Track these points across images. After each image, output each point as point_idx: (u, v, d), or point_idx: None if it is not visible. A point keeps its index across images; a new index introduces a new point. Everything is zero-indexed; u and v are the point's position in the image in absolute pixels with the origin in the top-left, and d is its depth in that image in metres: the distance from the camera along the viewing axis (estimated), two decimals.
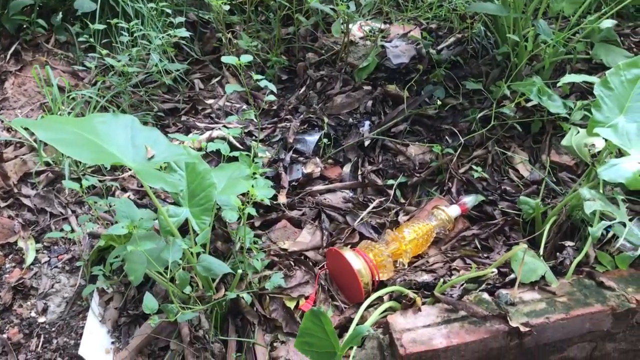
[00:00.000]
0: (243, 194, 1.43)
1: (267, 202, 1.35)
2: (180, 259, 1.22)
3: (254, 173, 1.49)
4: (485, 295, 1.45)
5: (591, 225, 1.59)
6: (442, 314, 1.39)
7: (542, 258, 1.50)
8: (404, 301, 1.42)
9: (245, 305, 1.46)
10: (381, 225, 1.77)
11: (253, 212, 1.32)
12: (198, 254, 1.25)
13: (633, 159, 1.36)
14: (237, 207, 1.29)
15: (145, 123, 2.06)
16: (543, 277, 1.45)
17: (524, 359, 1.44)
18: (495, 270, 1.30)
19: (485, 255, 1.65)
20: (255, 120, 2.00)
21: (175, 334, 1.41)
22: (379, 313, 1.37)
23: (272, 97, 1.71)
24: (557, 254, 1.54)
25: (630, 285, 1.47)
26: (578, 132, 1.61)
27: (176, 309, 1.20)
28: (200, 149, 1.67)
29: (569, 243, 1.54)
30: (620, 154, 1.51)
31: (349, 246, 1.68)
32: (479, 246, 1.70)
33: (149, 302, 1.15)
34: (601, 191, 1.42)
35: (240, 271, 1.32)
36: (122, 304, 1.55)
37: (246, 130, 1.98)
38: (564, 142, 1.62)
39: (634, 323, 1.47)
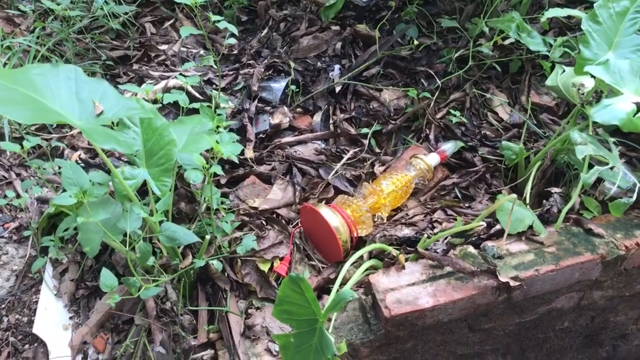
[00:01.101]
0: (207, 151, 1.29)
1: (234, 158, 1.22)
2: (141, 227, 1.09)
3: (218, 126, 1.34)
4: (471, 249, 1.37)
5: (577, 169, 1.52)
6: (427, 271, 1.31)
7: (528, 207, 1.42)
8: (385, 259, 1.33)
9: (215, 271, 1.35)
10: (357, 177, 1.66)
11: (219, 170, 1.18)
12: (161, 222, 1.12)
13: (627, 99, 1.27)
14: (201, 166, 1.15)
15: (92, 74, 1.87)
16: (530, 227, 1.38)
17: (511, 312, 1.39)
18: (484, 224, 1.21)
19: (466, 204, 1.57)
20: (214, 66, 1.84)
21: (140, 306, 1.29)
22: (360, 273, 1.28)
23: (232, 40, 1.55)
24: (544, 201, 1.46)
25: (619, 231, 1.42)
26: (564, 71, 1.51)
27: (138, 283, 1.08)
28: (155, 101, 1.51)
29: (555, 189, 1.46)
30: (606, 93, 1.43)
31: (324, 202, 1.57)
32: (459, 195, 1.61)
33: (107, 278, 1.02)
34: (591, 133, 1.34)
35: (208, 236, 1.20)
36: (78, 275, 1.41)
37: (205, 78, 1.81)
38: (548, 82, 1.52)
39: (622, 270, 1.43)
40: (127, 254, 1.04)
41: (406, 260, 1.35)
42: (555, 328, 1.52)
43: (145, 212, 1.05)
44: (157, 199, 1.20)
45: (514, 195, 1.23)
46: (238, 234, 1.43)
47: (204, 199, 1.38)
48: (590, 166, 1.35)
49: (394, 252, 1.30)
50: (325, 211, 1.38)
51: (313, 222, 1.43)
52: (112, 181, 1.18)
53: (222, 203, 1.42)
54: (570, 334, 1.58)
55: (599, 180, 1.48)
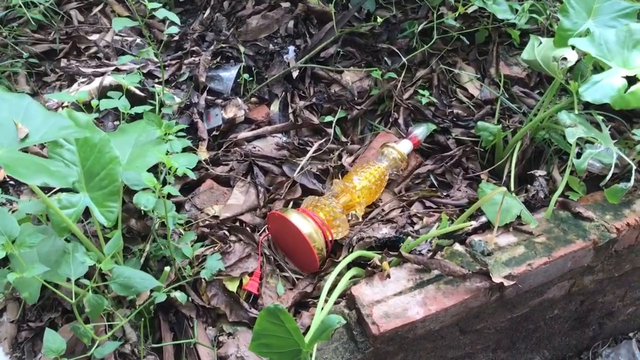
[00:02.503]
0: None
1: (190, 174, 1.05)
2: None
3: (167, 133, 1.17)
4: (458, 246, 1.26)
5: (558, 147, 1.43)
6: (413, 277, 1.20)
7: (513, 194, 1.32)
8: (368, 268, 1.20)
9: (176, 297, 1.20)
10: (324, 172, 1.52)
11: (174, 191, 1.02)
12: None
13: (616, 73, 1.17)
14: (153, 186, 0.99)
15: (15, 74, 1.64)
16: (518, 217, 1.28)
17: (503, 310, 1.30)
18: (474, 223, 1.10)
19: (444, 193, 1.46)
20: (155, 58, 1.64)
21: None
22: (342, 287, 1.15)
23: (174, 29, 1.36)
24: (528, 186, 1.37)
25: (607, 212, 1.34)
26: (540, 42, 1.40)
27: (90, 335, 0.92)
28: (90, 106, 1.31)
29: (539, 172, 1.37)
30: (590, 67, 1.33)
31: (291, 204, 1.44)
32: (435, 183, 1.50)
33: (52, 342, 0.85)
34: (576, 112, 1.24)
35: (167, 268, 1.04)
36: (19, 315, 1.23)
37: (145, 71, 1.62)
38: (524, 55, 1.41)
39: (612, 252, 1.36)
40: (73, 306, 0.88)
41: (388, 264, 1.23)
42: (546, 317, 1.45)
43: (91, 258, 0.88)
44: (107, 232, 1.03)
45: (504, 189, 1.12)
46: (200, 250, 1.28)
47: (156, 215, 1.21)
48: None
49: (377, 260, 1.18)
50: (295, 218, 1.25)
51: (283, 230, 1.29)
52: (48, 212, 1.01)
53: (179, 219, 1.25)
54: (559, 320, 1.52)
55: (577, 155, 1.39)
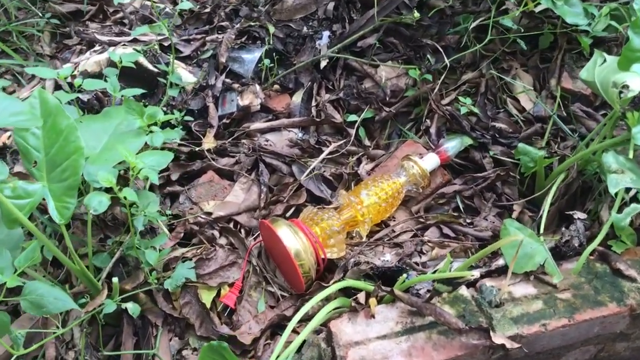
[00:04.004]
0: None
1: (153, 178, 0.95)
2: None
3: (153, 124, 1.07)
4: (464, 289, 1.11)
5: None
6: (404, 319, 1.05)
7: (542, 239, 1.14)
8: (352, 303, 1.07)
9: (145, 300, 1.12)
10: (337, 177, 1.39)
11: (133, 196, 0.92)
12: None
13: None
14: (111, 186, 0.89)
15: (39, 32, 1.59)
16: (542, 265, 1.10)
17: None
18: (477, 274, 0.94)
19: (468, 220, 1.29)
20: (176, 31, 1.54)
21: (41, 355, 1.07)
22: (320, 320, 1.03)
23: (187, 5, 1.25)
24: (563, 229, 1.17)
25: None
26: (604, 60, 1.18)
27: (22, 337, 0.85)
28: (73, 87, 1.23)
29: (579, 215, 1.17)
30: None
31: (292, 211, 1.32)
32: (461, 207, 1.33)
33: None
34: (631, 155, 1.04)
35: (115, 280, 0.96)
36: None
37: (167, 44, 1.52)
38: (583, 73, 1.20)
39: None
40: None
41: (380, 299, 1.10)
42: None
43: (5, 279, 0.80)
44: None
45: (521, 237, 0.94)
46: (180, 251, 1.19)
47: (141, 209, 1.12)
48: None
49: (362, 297, 1.04)
50: (284, 232, 1.13)
51: (272, 241, 1.17)
52: None
53: (162, 213, 1.16)
54: None
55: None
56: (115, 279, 0.98)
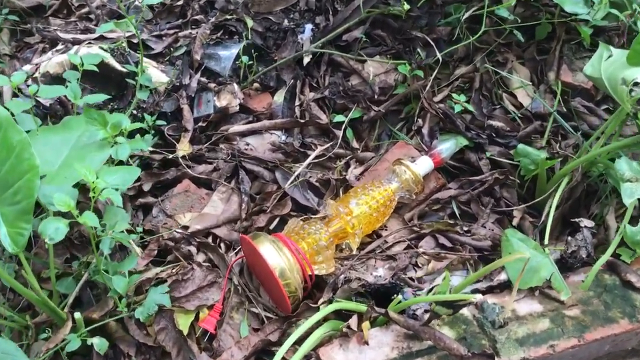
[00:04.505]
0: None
1: (116, 199, 0.84)
2: None
3: (119, 134, 0.97)
4: (465, 309, 1.02)
5: (617, 190, 1.14)
6: (400, 344, 0.97)
7: (547, 251, 1.06)
8: (343, 328, 0.98)
9: (115, 328, 1.03)
10: (324, 183, 1.29)
11: (94, 221, 0.81)
12: None
13: None
14: (69, 209, 0.79)
15: None
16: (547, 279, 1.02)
17: None
18: (479, 297, 0.85)
19: (465, 228, 1.20)
20: (146, 24, 1.43)
21: None
22: (310, 345, 0.94)
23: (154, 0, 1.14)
24: (568, 238, 1.09)
25: None
26: (610, 55, 1.09)
27: None
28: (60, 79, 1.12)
29: (585, 222, 1.09)
30: None
31: (276, 222, 1.22)
32: (457, 213, 1.25)
33: None
34: None
35: (78, 316, 0.86)
36: None
37: (137, 40, 1.40)
38: (587, 69, 1.11)
39: None
40: None
41: (373, 320, 1.01)
42: None
43: None
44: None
45: (527, 254, 0.86)
46: (153, 271, 1.09)
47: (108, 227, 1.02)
48: None
49: (353, 323, 0.95)
50: (266, 249, 1.03)
51: (254, 258, 1.08)
52: None
53: (131, 232, 1.06)
54: None
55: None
56: (77, 314, 0.88)
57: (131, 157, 1.18)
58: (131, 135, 1.11)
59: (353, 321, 0.97)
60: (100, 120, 0.94)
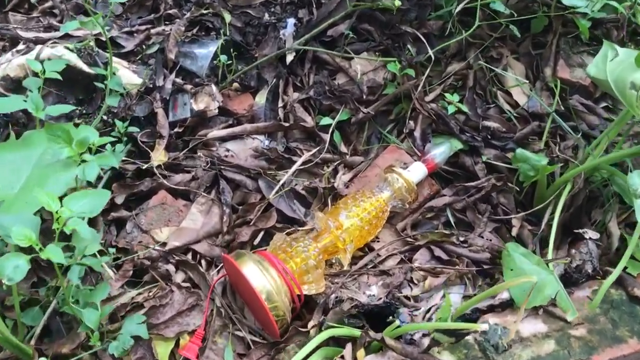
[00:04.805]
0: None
1: (82, 231, 0.75)
2: None
3: (87, 151, 0.88)
4: None
5: (621, 198, 1.08)
6: None
7: (551, 267, 1.00)
8: (336, 358, 0.91)
9: None
10: (311, 191, 1.22)
11: (59, 257, 0.73)
12: None
13: None
14: (30, 243, 0.71)
15: None
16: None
17: None
18: (486, 326, 0.79)
19: (461, 238, 1.14)
20: (116, 20, 1.32)
21: None
22: None
23: None
24: (572, 251, 1.04)
25: None
26: (616, 54, 1.03)
27: None
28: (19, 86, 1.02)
29: (590, 234, 1.04)
30: None
31: (260, 236, 1.14)
32: (452, 221, 1.18)
33: None
34: None
35: None
36: None
37: (104, 38, 1.30)
38: (591, 70, 1.05)
39: None
40: None
41: (368, 345, 0.94)
42: None
43: None
44: None
45: (534, 279, 0.79)
46: (128, 295, 1.01)
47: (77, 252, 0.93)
48: None
49: (347, 352, 0.89)
50: (250, 270, 0.96)
51: (238, 279, 1.00)
52: None
53: (103, 253, 0.98)
54: None
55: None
56: None
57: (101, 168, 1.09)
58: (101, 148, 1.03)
59: (347, 351, 0.90)
60: (65, 137, 0.84)
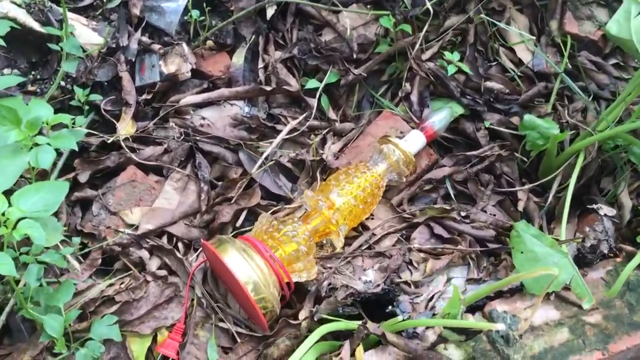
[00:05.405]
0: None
1: (39, 239, 0.64)
2: None
3: (40, 132, 0.76)
4: (470, 318, 0.89)
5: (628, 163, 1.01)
6: None
7: (565, 249, 0.92)
8: (333, 357, 0.84)
9: None
10: (298, 164, 1.12)
11: (10, 269, 0.62)
12: None
13: None
14: None
15: None
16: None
17: None
18: (501, 326, 0.72)
19: (463, 213, 1.06)
20: None
21: None
22: None
23: None
24: (586, 229, 0.96)
25: None
26: None
27: None
28: None
29: (605, 210, 0.97)
30: None
31: (243, 215, 1.05)
32: (452, 194, 1.10)
33: None
34: None
35: None
36: None
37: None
38: (612, 27, 0.94)
39: None
40: None
41: (366, 336, 0.87)
42: None
43: None
44: None
45: (555, 272, 0.72)
46: (98, 288, 0.91)
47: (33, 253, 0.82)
48: None
49: (345, 352, 0.81)
50: (233, 259, 0.86)
51: (220, 267, 0.91)
52: None
53: (66, 242, 0.88)
54: None
55: None
56: None
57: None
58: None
59: (345, 351, 0.82)
60: (11, 117, 0.72)
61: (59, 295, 0.78)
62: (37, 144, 0.75)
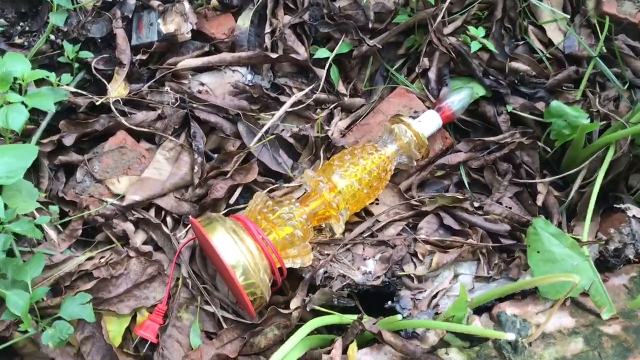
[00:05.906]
0: None
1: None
2: None
3: (10, 89, 0.69)
4: (477, 321, 0.82)
5: None
6: None
7: (586, 251, 0.85)
8: (324, 355, 0.78)
9: (25, 342, 0.81)
10: (301, 139, 1.05)
11: None
12: None
13: None
14: None
15: None
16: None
17: None
18: (512, 336, 0.65)
19: (477, 204, 0.98)
20: None
21: None
22: None
23: None
24: (611, 230, 0.89)
25: None
26: None
27: None
28: None
29: (634, 211, 0.88)
30: None
31: (238, 192, 0.98)
32: (466, 182, 1.03)
33: None
34: None
35: None
36: None
37: None
38: None
39: None
40: None
41: (361, 333, 0.81)
42: None
43: None
44: None
45: (576, 280, 0.64)
46: (75, 262, 0.85)
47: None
48: None
49: (337, 350, 0.75)
50: (221, 239, 0.80)
51: (209, 249, 0.85)
52: None
53: (46, 211, 0.82)
54: None
55: None
56: None
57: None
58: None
59: (337, 349, 0.76)
60: None
61: (27, 268, 0.72)
62: (9, 103, 0.68)
